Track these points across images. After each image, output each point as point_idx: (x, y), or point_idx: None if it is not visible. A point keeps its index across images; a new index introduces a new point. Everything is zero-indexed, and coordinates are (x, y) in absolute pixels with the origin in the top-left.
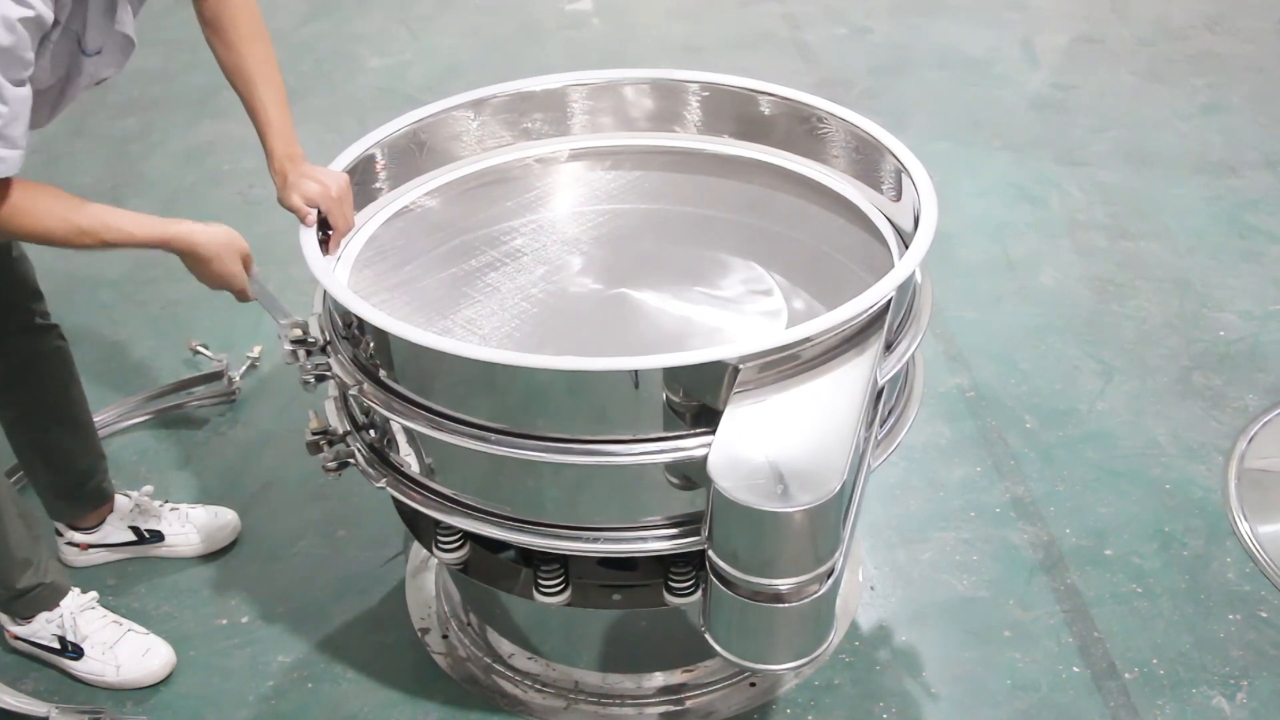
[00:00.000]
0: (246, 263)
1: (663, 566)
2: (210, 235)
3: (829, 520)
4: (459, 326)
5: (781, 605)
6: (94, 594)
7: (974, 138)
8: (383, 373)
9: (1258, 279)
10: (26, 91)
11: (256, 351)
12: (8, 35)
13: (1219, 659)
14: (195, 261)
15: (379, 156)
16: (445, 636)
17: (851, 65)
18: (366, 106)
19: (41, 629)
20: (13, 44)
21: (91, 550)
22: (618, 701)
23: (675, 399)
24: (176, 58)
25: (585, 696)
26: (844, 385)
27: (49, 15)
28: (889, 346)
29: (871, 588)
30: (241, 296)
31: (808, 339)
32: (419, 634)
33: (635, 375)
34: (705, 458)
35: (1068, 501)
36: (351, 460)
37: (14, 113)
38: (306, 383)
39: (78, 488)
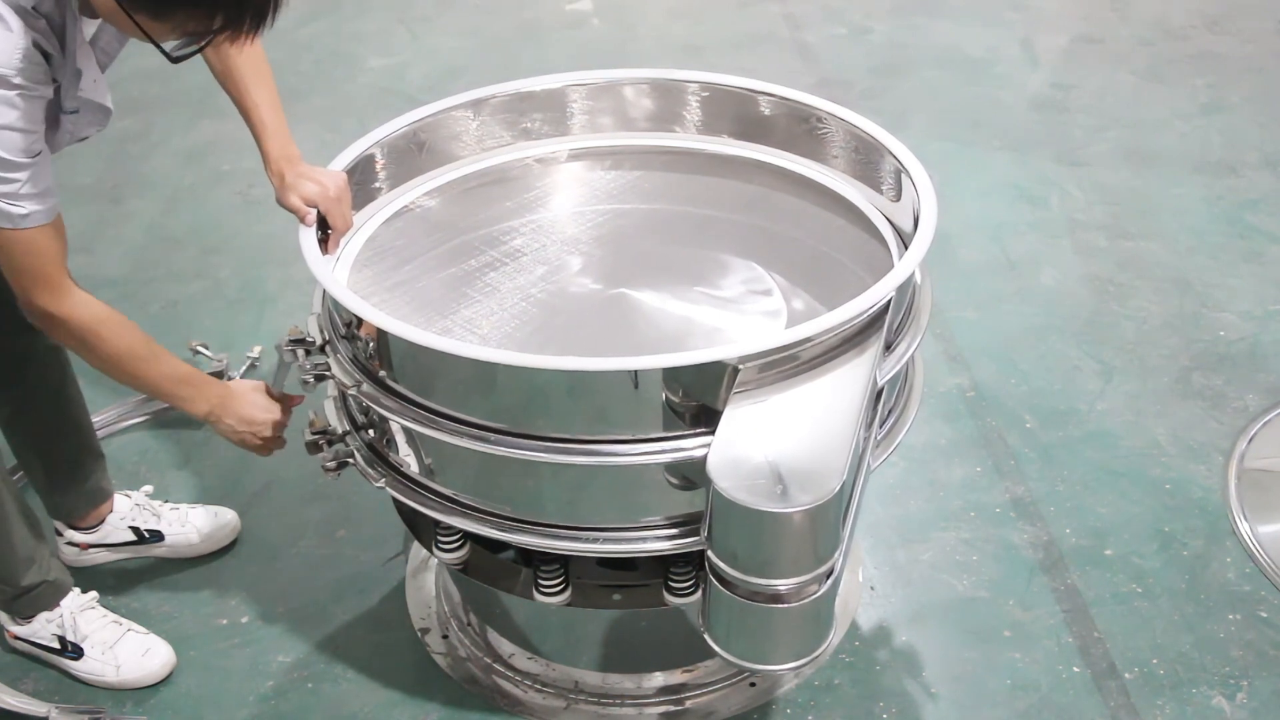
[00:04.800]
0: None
1: (663, 566)
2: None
3: (828, 520)
4: (458, 326)
5: (781, 606)
6: (94, 594)
7: (974, 138)
8: (382, 373)
9: (1258, 279)
10: (43, 153)
11: (256, 351)
12: (10, 111)
13: (1219, 659)
14: (225, 405)
15: (378, 156)
16: (445, 636)
17: (851, 65)
18: (366, 106)
19: (41, 629)
20: (15, 119)
21: (91, 550)
22: (618, 701)
23: (675, 399)
24: None
25: (585, 696)
26: (843, 385)
27: (49, 91)
28: (889, 347)
29: (871, 588)
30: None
31: (807, 339)
32: (419, 634)
33: (635, 375)
34: (705, 458)
35: (1068, 501)
36: (351, 460)
37: (34, 173)
38: (305, 383)
39: (76, 487)
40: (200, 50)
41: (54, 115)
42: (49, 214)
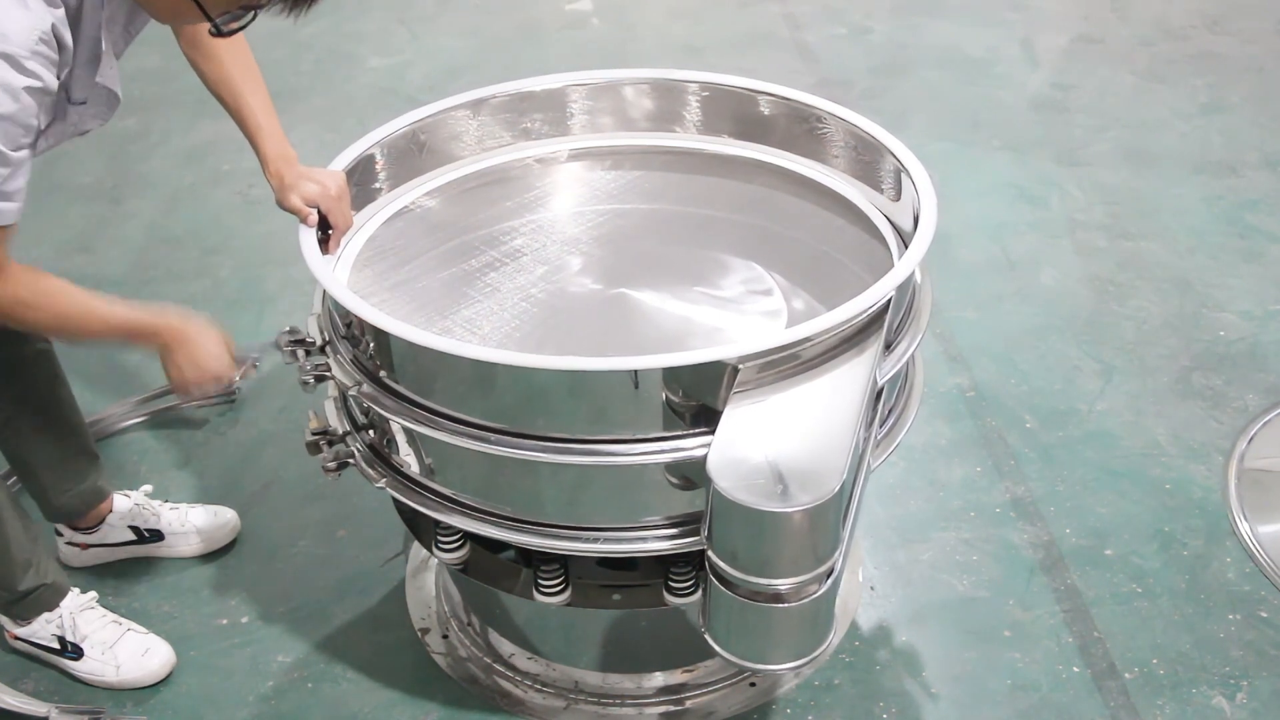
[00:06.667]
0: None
1: (663, 566)
2: (191, 319)
3: (828, 520)
4: (459, 326)
5: (781, 605)
6: (93, 594)
7: (974, 138)
8: (382, 373)
9: (1258, 279)
10: (27, 153)
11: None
12: (11, 103)
13: (1219, 659)
14: (180, 344)
15: (379, 156)
16: (445, 636)
17: (851, 65)
18: (366, 106)
19: (41, 629)
20: (14, 112)
21: (91, 550)
22: (618, 701)
23: (675, 399)
24: (176, 58)
25: (585, 696)
26: (843, 385)
27: (54, 84)
28: (889, 346)
29: (871, 588)
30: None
31: (807, 339)
32: (419, 634)
33: (635, 375)
34: (705, 458)
35: (1068, 501)
36: (351, 460)
37: (14, 171)
38: (305, 383)
39: (72, 489)
40: (251, 21)
41: (60, 107)
42: (13, 215)
